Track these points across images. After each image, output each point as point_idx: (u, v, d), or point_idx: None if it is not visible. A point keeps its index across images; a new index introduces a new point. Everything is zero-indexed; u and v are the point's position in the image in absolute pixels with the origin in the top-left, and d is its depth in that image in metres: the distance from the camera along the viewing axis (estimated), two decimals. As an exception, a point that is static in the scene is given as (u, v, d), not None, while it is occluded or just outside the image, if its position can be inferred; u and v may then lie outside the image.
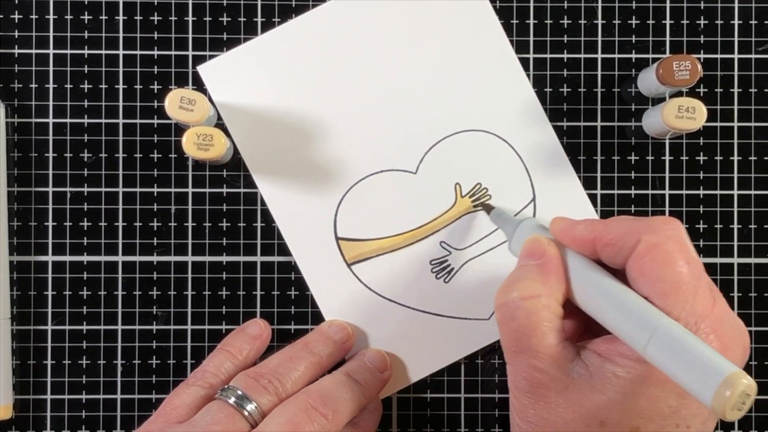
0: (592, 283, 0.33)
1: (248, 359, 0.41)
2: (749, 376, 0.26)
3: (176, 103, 0.39)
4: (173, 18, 0.43)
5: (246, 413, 0.36)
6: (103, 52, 0.43)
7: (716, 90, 0.44)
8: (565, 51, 0.44)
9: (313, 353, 0.40)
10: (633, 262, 0.32)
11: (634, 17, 0.44)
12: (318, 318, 0.43)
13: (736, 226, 0.44)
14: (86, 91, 0.43)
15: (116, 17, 0.43)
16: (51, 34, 0.43)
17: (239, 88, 0.43)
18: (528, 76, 0.44)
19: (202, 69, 0.43)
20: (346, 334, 0.42)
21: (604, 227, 0.33)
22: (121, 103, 0.43)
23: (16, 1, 0.43)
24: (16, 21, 0.43)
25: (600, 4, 0.44)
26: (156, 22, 0.43)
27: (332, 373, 0.40)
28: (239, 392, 0.37)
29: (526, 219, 0.39)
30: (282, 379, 0.38)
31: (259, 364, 0.39)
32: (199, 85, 0.43)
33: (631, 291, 0.31)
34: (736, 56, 0.44)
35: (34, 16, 0.43)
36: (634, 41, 0.44)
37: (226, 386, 0.38)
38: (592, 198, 0.43)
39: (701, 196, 0.44)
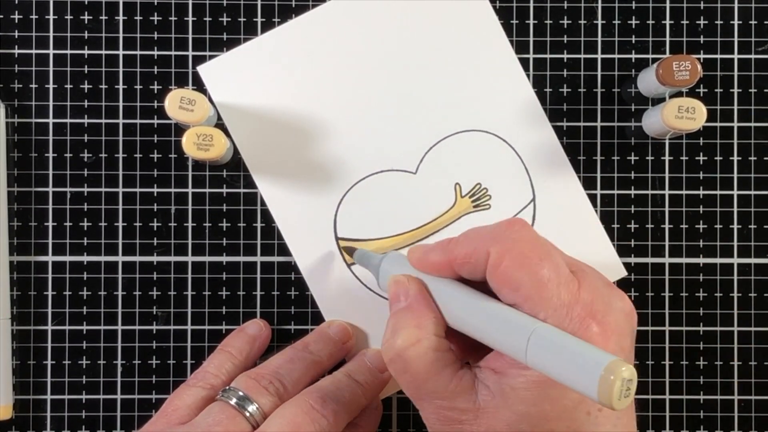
0: (461, 306, 0.33)
1: (249, 359, 0.41)
2: (626, 363, 0.25)
3: (176, 103, 0.39)
4: (173, 18, 0.43)
5: (247, 414, 0.36)
6: (103, 52, 0.43)
7: (716, 90, 0.44)
8: (565, 51, 0.44)
9: (313, 354, 0.40)
10: (489, 275, 0.32)
11: (633, 17, 0.44)
12: (318, 318, 0.43)
13: (736, 226, 0.44)
14: (86, 91, 0.43)
15: (116, 17, 0.43)
16: (51, 34, 0.43)
17: (239, 88, 0.43)
18: (528, 76, 0.44)
19: (202, 69, 0.43)
20: (346, 334, 0.42)
21: (455, 246, 0.33)
22: (121, 103, 0.43)
23: (16, 1, 0.43)
24: (16, 21, 0.43)
25: (600, 5, 0.44)
26: (156, 22, 0.43)
27: (333, 374, 0.40)
28: (240, 393, 0.37)
29: (386, 254, 0.38)
30: (283, 380, 0.38)
31: (260, 365, 0.39)
32: (199, 85, 0.43)
33: (498, 303, 0.31)
34: (735, 56, 0.44)
35: (34, 16, 0.43)
36: (633, 41, 0.44)
37: (227, 387, 0.38)
38: (592, 198, 0.43)
39: (701, 197, 0.44)
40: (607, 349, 0.30)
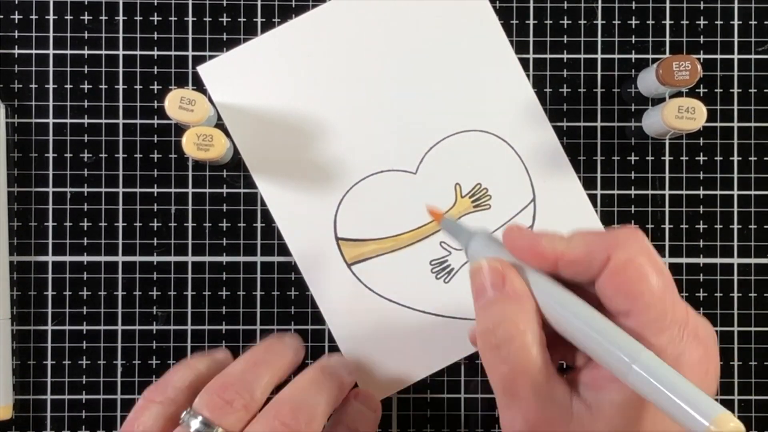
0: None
1: (211, 373, 0.38)
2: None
3: (176, 103, 0.39)
4: (173, 18, 0.43)
5: None
6: (103, 52, 0.43)
7: (716, 90, 0.44)
8: (565, 51, 0.44)
9: (277, 354, 0.38)
10: (606, 280, 0.30)
11: (633, 18, 0.44)
12: (318, 318, 0.43)
13: (736, 226, 0.44)
14: (86, 91, 0.43)
15: (116, 18, 0.43)
16: (51, 34, 0.43)
17: (239, 89, 0.43)
18: (528, 76, 0.44)
19: (201, 69, 0.43)
20: (300, 342, 0.41)
21: (567, 244, 0.31)
22: (121, 104, 0.43)
23: (16, 1, 0.43)
24: (16, 21, 0.43)
25: (600, 5, 0.44)
26: (156, 23, 0.43)
27: (306, 371, 0.38)
28: (200, 418, 0.34)
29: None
30: (250, 388, 0.35)
31: (224, 371, 0.37)
32: (199, 86, 0.43)
33: (601, 316, 0.30)
34: (735, 56, 0.44)
35: (34, 17, 0.43)
36: (633, 41, 0.44)
37: (190, 409, 0.35)
38: (592, 198, 0.43)
39: (701, 197, 0.44)
40: (709, 371, 0.29)
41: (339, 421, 0.39)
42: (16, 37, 0.43)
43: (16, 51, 0.43)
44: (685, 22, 0.44)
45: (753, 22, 0.44)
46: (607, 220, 0.43)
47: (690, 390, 0.27)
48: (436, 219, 0.38)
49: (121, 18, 0.43)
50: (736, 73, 0.44)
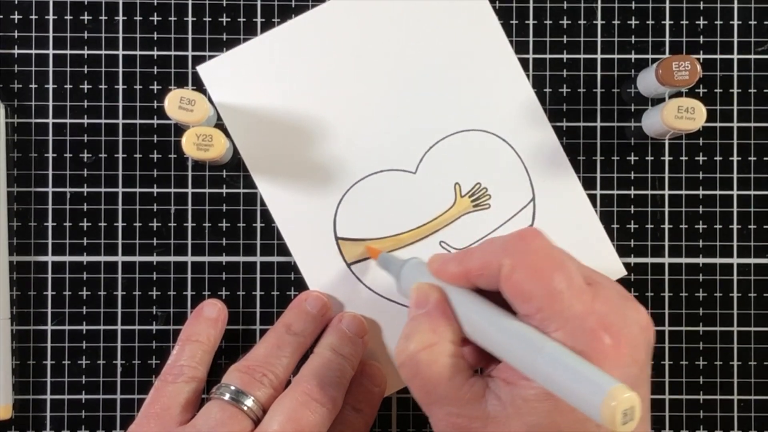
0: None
1: (215, 343, 0.41)
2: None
3: (176, 103, 0.39)
4: (173, 18, 0.43)
5: (245, 408, 0.37)
6: (103, 52, 0.43)
7: (716, 90, 0.44)
8: (565, 51, 0.44)
9: (297, 335, 0.40)
10: (501, 287, 0.32)
11: (633, 18, 0.44)
12: (318, 318, 0.43)
13: (735, 226, 0.44)
14: (86, 91, 0.43)
15: (116, 17, 0.43)
16: (51, 34, 0.43)
17: (239, 88, 0.43)
18: (528, 76, 0.44)
19: (201, 69, 0.43)
20: (323, 305, 0.42)
21: (470, 258, 0.33)
22: (120, 104, 0.43)
23: (16, 1, 0.43)
24: (16, 21, 0.43)
25: (599, 5, 0.44)
26: (156, 23, 0.43)
27: (319, 352, 0.40)
28: (233, 388, 0.37)
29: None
30: (274, 369, 0.38)
31: (247, 356, 0.39)
32: (199, 86, 0.43)
33: (511, 319, 0.32)
34: (735, 57, 0.44)
35: (34, 17, 0.43)
36: (633, 42, 0.44)
37: (220, 384, 0.38)
38: (592, 198, 0.43)
39: (701, 197, 0.44)
40: (620, 361, 0.30)
41: (344, 401, 0.40)
42: (16, 37, 0.43)
43: (16, 51, 0.43)
44: (684, 22, 0.44)
45: (753, 22, 0.44)
46: (606, 220, 0.43)
47: (587, 371, 0.27)
48: (373, 256, 0.42)
49: (121, 18, 0.43)
50: (735, 73, 0.44)
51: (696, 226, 0.44)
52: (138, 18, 0.43)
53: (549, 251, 0.32)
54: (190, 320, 0.42)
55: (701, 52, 0.44)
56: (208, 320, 0.41)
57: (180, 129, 0.43)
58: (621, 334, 0.30)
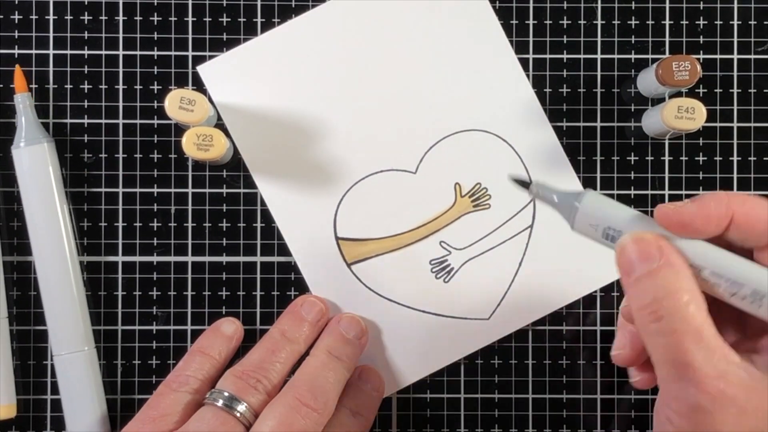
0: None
1: (226, 360, 0.41)
2: None
3: (176, 103, 0.39)
4: (173, 18, 0.43)
5: (238, 414, 0.37)
6: (103, 52, 0.43)
7: (716, 90, 0.44)
8: (565, 51, 0.44)
9: (292, 342, 0.40)
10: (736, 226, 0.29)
11: (633, 18, 0.44)
12: (318, 318, 0.43)
13: (735, 226, 0.44)
14: (86, 91, 0.43)
15: (116, 18, 0.43)
16: (51, 34, 0.43)
17: (239, 88, 0.43)
18: (528, 76, 0.44)
19: (201, 69, 0.43)
20: (318, 311, 0.42)
21: (743, 203, 0.30)
22: (121, 104, 0.43)
23: (16, 1, 0.43)
24: (16, 21, 0.43)
25: (599, 5, 0.44)
26: (156, 23, 0.43)
27: (314, 355, 0.40)
28: (226, 394, 0.37)
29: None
30: (268, 375, 0.38)
31: (242, 361, 0.39)
32: (199, 86, 0.43)
33: (749, 265, 0.29)
34: (735, 57, 0.44)
35: (34, 17, 0.43)
36: (633, 42, 0.44)
37: (214, 389, 0.38)
38: (592, 198, 0.43)
39: (701, 197, 0.44)
40: None
41: (342, 404, 0.40)
42: (16, 37, 0.43)
43: (16, 51, 0.43)
44: (684, 22, 0.44)
45: (753, 22, 0.44)
46: (606, 220, 0.43)
47: None
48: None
49: (121, 18, 0.43)
50: (735, 73, 0.44)
51: (696, 226, 0.44)
52: (138, 18, 0.43)
53: None
54: (206, 333, 0.42)
55: (701, 52, 0.44)
56: (223, 336, 0.41)
57: (180, 129, 0.43)
58: None
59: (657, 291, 0.29)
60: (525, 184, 0.34)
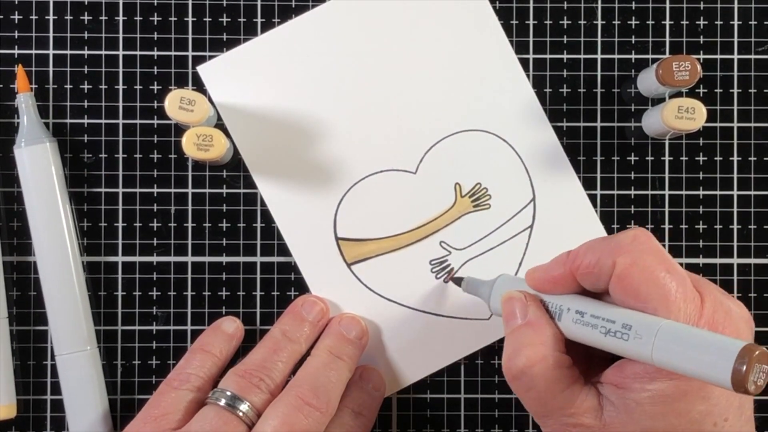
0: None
1: (227, 359, 0.41)
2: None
3: (176, 103, 0.39)
4: (173, 18, 0.43)
5: (240, 414, 0.37)
6: (103, 52, 0.43)
7: (716, 90, 0.44)
8: (565, 51, 0.44)
9: (293, 341, 0.40)
10: (614, 285, 0.31)
11: (633, 18, 0.44)
12: (318, 318, 0.43)
13: (735, 226, 0.44)
14: (86, 91, 0.43)
15: (116, 18, 0.43)
16: (51, 34, 0.43)
17: (239, 89, 0.43)
18: (528, 76, 0.44)
19: (201, 69, 0.43)
20: (319, 311, 0.42)
21: (575, 257, 0.33)
22: (121, 104, 0.43)
23: (16, 1, 0.43)
24: (16, 21, 0.43)
25: (600, 5, 0.44)
26: (156, 23, 0.43)
27: (315, 354, 0.40)
28: (229, 393, 0.37)
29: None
30: (270, 374, 0.38)
31: (244, 361, 0.39)
32: (199, 86, 0.43)
33: (620, 308, 0.31)
34: (735, 57, 0.44)
35: (34, 17, 0.43)
36: (633, 42, 0.44)
37: (216, 389, 0.38)
38: (592, 198, 0.43)
39: (701, 197, 0.44)
40: None
41: (343, 405, 0.40)
42: (16, 37, 0.43)
43: (16, 51, 0.43)
44: (685, 22, 0.44)
45: (753, 23, 0.44)
46: (606, 220, 0.43)
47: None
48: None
49: (121, 18, 0.43)
50: (735, 74, 0.44)
51: (696, 227, 0.44)
52: (138, 18, 0.43)
53: (662, 253, 0.32)
54: (206, 331, 0.42)
55: (701, 52, 0.44)
56: (224, 334, 0.41)
57: (180, 129, 0.43)
58: (729, 332, 0.30)
59: (517, 346, 0.33)
60: (458, 281, 0.41)
